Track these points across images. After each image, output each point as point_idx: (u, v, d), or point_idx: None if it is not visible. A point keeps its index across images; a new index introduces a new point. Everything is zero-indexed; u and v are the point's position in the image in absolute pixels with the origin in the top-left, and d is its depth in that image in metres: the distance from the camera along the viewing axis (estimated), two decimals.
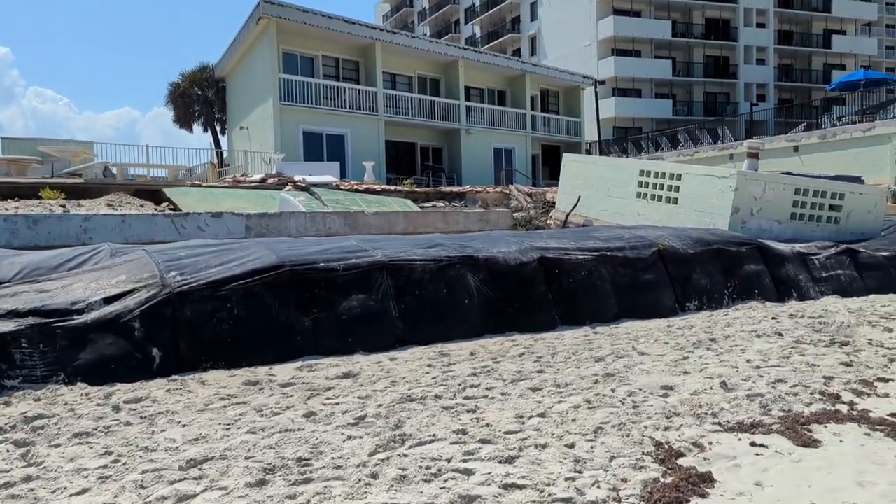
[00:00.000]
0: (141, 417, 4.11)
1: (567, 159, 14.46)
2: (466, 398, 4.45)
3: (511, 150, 29.50)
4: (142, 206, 10.90)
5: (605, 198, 13.10)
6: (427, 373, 5.08)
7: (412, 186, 17.34)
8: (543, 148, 32.45)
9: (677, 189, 11.42)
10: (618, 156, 35.81)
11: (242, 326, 5.25)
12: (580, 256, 7.34)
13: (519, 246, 7.18)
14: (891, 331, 7.03)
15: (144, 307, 5.03)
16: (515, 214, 15.62)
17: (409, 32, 24.02)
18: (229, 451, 3.51)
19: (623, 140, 37.01)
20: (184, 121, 30.97)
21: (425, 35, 72.62)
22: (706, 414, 4.19)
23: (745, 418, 4.13)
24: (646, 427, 3.92)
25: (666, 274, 7.97)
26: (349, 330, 5.66)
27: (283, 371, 5.09)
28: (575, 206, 13.67)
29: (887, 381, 5.10)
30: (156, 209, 10.72)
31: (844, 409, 4.40)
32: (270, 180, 14.14)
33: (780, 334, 6.72)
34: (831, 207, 11.33)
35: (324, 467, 3.28)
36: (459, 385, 4.72)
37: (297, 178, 14.88)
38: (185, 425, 3.95)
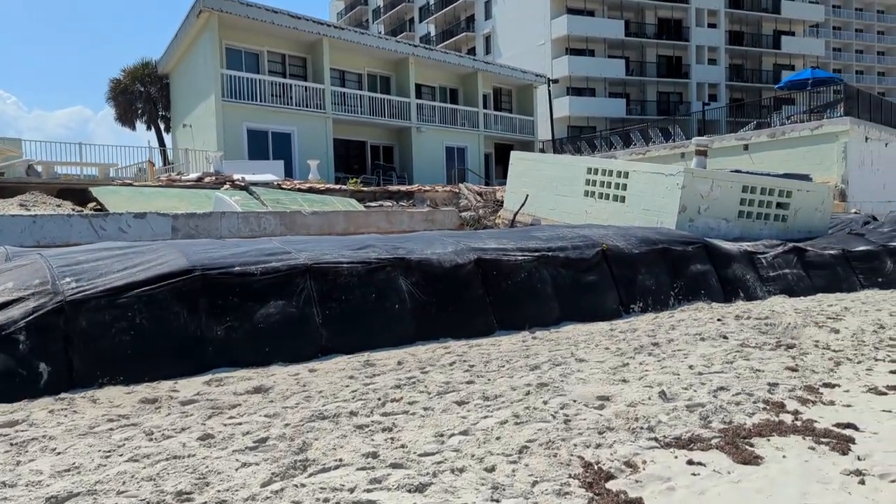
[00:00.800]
0: (10, 444, 3.62)
1: (514, 157, 14.17)
2: (385, 415, 4.07)
3: (464, 149, 29.17)
4: (58, 206, 10.22)
5: (553, 197, 12.84)
6: (347, 386, 4.68)
7: (358, 185, 16.88)
8: (496, 147, 32.19)
9: (625, 187, 11.20)
10: (572, 155, 35.80)
11: (145, 337, 4.77)
12: (520, 257, 7.00)
13: (455, 247, 6.82)
14: (837, 332, 6.86)
15: (31, 318, 4.52)
16: (463, 214, 15.28)
17: (359, 29, 23.44)
18: (101, 484, 3.07)
19: (577, 139, 37.00)
20: (126, 119, 29.83)
21: (380, 33, 72.08)
22: (642, 428, 3.88)
23: (683, 432, 3.83)
24: (576, 445, 3.58)
25: (610, 275, 7.69)
26: (266, 339, 5.22)
27: (189, 386, 4.63)
28: (522, 205, 13.38)
29: (833, 386, 4.86)
30: (73, 209, 10.08)
31: (789, 419, 4.13)
32: (207, 179, 13.53)
33: (726, 337, 6.48)
34: (779, 205, 11.23)
35: (205, 503, 2.86)
36: (379, 399, 4.33)
37: (236, 177, 14.30)
38: (59, 453, 3.49)
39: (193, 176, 14.30)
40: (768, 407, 4.34)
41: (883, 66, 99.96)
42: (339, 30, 23.58)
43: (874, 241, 10.70)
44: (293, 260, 5.68)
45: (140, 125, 30.30)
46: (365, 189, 16.62)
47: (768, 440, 3.78)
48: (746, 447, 3.64)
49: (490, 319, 6.54)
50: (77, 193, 11.82)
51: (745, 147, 24.21)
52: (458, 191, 18.52)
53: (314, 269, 5.66)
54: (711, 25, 55.06)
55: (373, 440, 3.63)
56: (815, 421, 4.08)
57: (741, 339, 6.40)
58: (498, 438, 3.67)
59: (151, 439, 3.63)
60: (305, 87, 23.07)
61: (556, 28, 48.47)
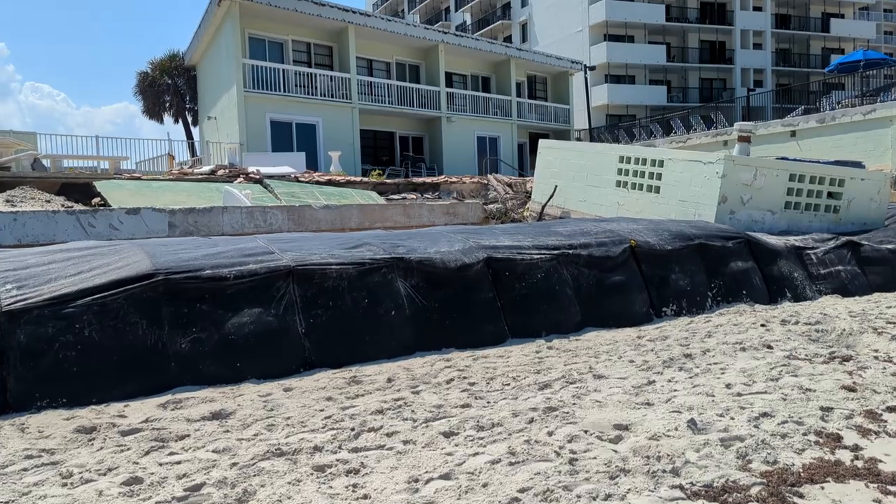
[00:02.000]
0: None
1: (543, 146, 13.39)
2: (355, 450, 3.42)
3: (496, 139, 28.32)
4: (48, 201, 9.79)
5: (584, 188, 12.04)
6: (321, 410, 4.04)
7: (381, 177, 16.27)
8: (531, 136, 31.25)
9: (659, 177, 10.35)
10: (609, 144, 34.72)
11: (96, 353, 4.20)
12: (536, 256, 6.28)
13: (463, 245, 6.13)
14: None
15: None
16: (490, 207, 14.56)
17: (387, 16, 22.78)
18: None
19: (615, 127, 35.86)
20: (153, 112, 29.65)
21: (415, 22, 71.42)
22: (665, 471, 3.17)
23: (715, 477, 3.11)
24: (579, 497, 2.90)
25: (639, 274, 6.92)
26: (239, 353, 4.61)
27: (140, 410, 4.04)
28: (551, 197, 12.61)
29: None
30: (63, 206, 9.64)
31: (847, 457, 3.38)
32: (220, 172, 13.05)
33: (770, 347, 5.67)
34: (830, 195, 10.27)
35: None
36: (353, 430, 3.69)
37: (251, 169, 13.79)
38: None
39: (206, 169, 13.86)
40: (821, 440, 3.58)
41: None
42: (365, 17, 22.92)
43: None
44: (274, 261, 5.06)
45: (168, 118, 30.21)
46: (389, 181, 16.01)
47: (822, 488, 3.05)
48: (795, 499, 2.92)
49: (501, 326, 5.84)
50: (81, 188, 11.43)
51: (793, 133, 22.96)
52: (486, 182, 17.79)
53: (298, 272, 5.04)
54: (757, 8, 53.10)
55: (331, 487, 2.99)
56: (880, 461, 3.33)
57: (788, 350, 5.59)
58: (485, 486, 3.00)
59: (66, 485, 3.03)
60: (331, 77, 22.48)
61: (594, 14, 47.19)
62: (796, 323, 6.58)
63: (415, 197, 15.65)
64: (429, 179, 16.85)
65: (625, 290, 6.69)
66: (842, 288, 8.28)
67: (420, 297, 5.49)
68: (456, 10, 65.76)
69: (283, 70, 21.08)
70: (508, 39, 56.36)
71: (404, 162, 25.34)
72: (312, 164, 19.39)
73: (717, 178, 9.30)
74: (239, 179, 12.44)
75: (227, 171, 13.21)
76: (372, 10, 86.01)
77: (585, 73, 32.67)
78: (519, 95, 30.44)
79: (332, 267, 5.19)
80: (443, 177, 18.06)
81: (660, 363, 5.13)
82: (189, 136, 29.04)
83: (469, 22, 62.84)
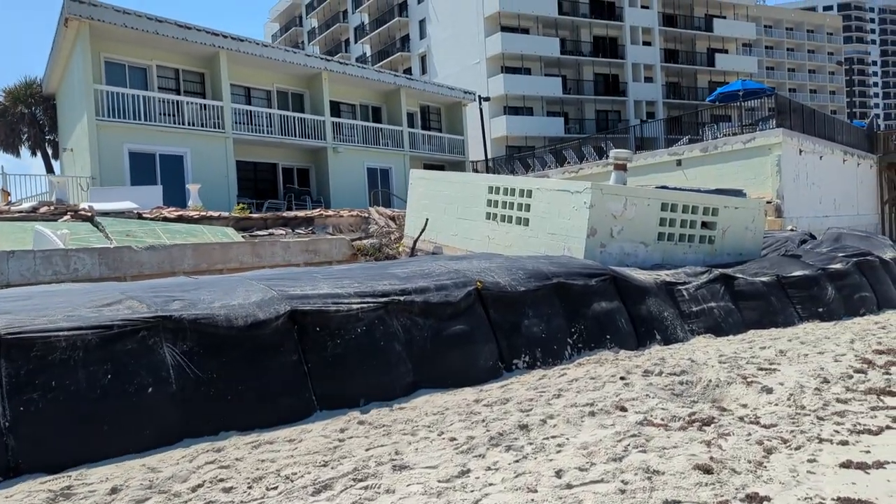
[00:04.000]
0: None
1: (414, 176, 12.50)
2: None
3: (387, 170, 27.38)
4: None
5: (455, 220, 11.17)
6: None
7: (245, 212, 14.99)
8: (426, 167, 30.54)
9: (528, 208, 9.58)
10: (507, 175, 34.44)
11: None
12: (356, 306, 5.24)
13: (263, 295, 5.02)
14: (769, 391, 5.26)
15: None
16: (363, 242, 13.50)
17: (261, 41, 21.47)
18: None
19: (511, 159, 35.63)
20: (7, 144, 26.99)
21: (294, 49, 70.25)
22: None
23: None
24: None
25: (486, 321, 5.99)
26: None
27: None
28: (422, 231, 11.68)
29: (760, 502, 3.23)
30: None
31: None
32: (43, 209, 11.45)
33: (624, 409, 4.81)
34: (704, 225, 9.74)
35: None
36: None
37: (82, 205, 12.25)
38: None
39: (27, 206, 12.23)
40: None
41: (814, 83, 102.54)
42: (237, 42, 21.52)
43: (812, 263, 9.28)
44: None
45: (25, 151, 27.65)
46: (255, 216, 14.73)
47: None
48: None
49: (306, 397, 4.75)
50: None
51: (679, 163, 23.09)
52: (367, 216, 16.74)
53: (7, 342, 3.80)
54: (647, 43, 54.80)
55: None
56: None
57: (644, 412, 4.74)
58: None
59: None
60: (202, 105, 20.93)
61: (490, 46, 47.36)
62: (660, 374, 5.78)
63: (283, 233, 14.42)
64: (301, 213, 15.66)
65: (468, 342, 5.73)
66: (715, 326, 7.64)
67: (193, 366, 4.33)
68: (356, 42, 65.16)
69: (145, 97, 19.37)
70: (408, 71, 56.03)
71: (288, 195, 23.98)
72: (178, 198, 17.83)
73: (585, 208, 8.58)
74: (65, 217, 10.89)
75: (51, 208, 11.62)
76: (272, 41, 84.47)
77: (480, 103, 32.30)
78: (412, 126, 29.67)
79: (63, 333, 3.98)
80: (317, 210, 16.91)
81: (486, 441, 4.15)
82: (49, 169, 26.64)
83: (369, 53, 62.32)
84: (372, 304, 5.35)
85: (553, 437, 4.26)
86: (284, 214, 15.48)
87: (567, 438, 4.22)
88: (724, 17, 60.75)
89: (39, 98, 26.45)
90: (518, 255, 9.46)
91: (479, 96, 32.55)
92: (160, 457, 3.93)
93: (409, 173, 28.10)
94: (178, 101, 20.52)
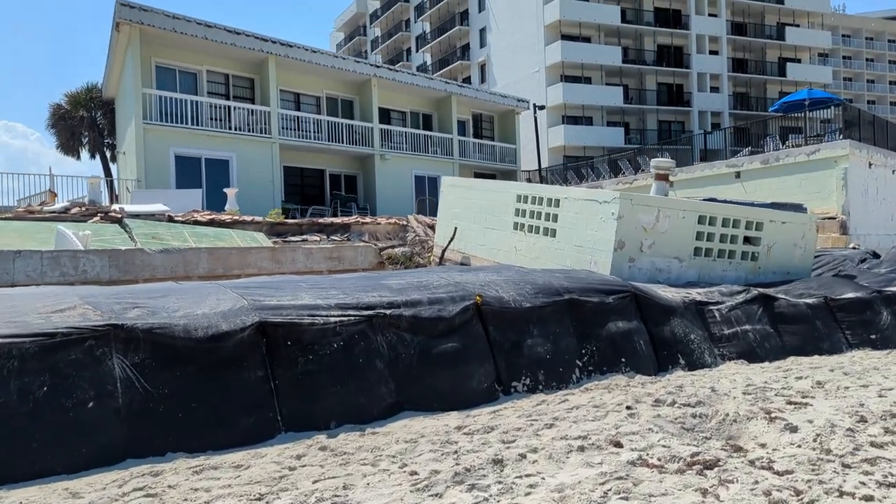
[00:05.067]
0: None
1: (445, 183, 12.13)
2: None
3: (436, 178, 27.02)
4: None
5: (483, 230, 10.74)
6: None
7: (280, 217, 14.88)
8: (476, 176, 30.18)
9: (556, 218, 9.07)
10: (561, 185, 33.76)
11: None
12: (334, 319, 4.87)
13: (232, 305, 4.70)
14: (795, 430, 4.64)
15: None
16: (395, 251, 13.18)
17: (310, 47, 21.40)
18: None
19: (564, 168, 34.93)
20: (69, 147, 27.84)
21: (377, 62, 70.84)
22: None
23: None
24: None
25: (485, 339, 5.54)
26: None
27: None
28: (451, 241, 11.29)
29: None
30: None
31: None
32: (74, 210, 11.54)
33: (619, 445, 4.28)
34: (747, 240, 9.04)
35: None
36: None
37: (114, 207, 12.33)
38: None
39: (59, 206, 12.38)
40: None
41: (895, 95, 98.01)
42: (286, 47, 21.60)
43: (867, 285, 8.46)
44: None
45: (85, 154, 28.48)
46: (290, 222, 14.59)
47: None
48: None
49: (270, 417, 4.40)
50: None
51: (737, 175, 22.06)
52: (405, 223, 16.45)
53: None
54: (713, 52, 53.24)
55: None
56: None
57: (641, 449, 4.20)
58: None
59: None
60: (250, 110, 21.08)
61: (550, 55, 46.79)
62: (673, 404, 5.21)
63: (318, 239, 14.24)
64: (337, 220, 15.46)
65: (460, 362, 5.29)
66: (749, 352, 6.97)
67: (144, 380, 4.04)
68: (417, 51, 65.50)
69: (193, 101, 19.61)
70: (468, 80, 55.95)
71: (333, 201, 23.92)
72: (222, 201, 17.87)
73: (613, 219, 8.03)
74: (95, 219, 10.93)
75: (82, 209, 11.72)
76: (336, 50, 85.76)
77: (535, 111, 31.75)
78: (463, 134, 29.32)
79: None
80: (353, 217, 16.70)
81: (450, 477, 3.69)
82: (108, 172, 27.33)
83: (430, 62, 62.50)
84: (353, 318, 4.97)
85: (527, 475, 3.78)
86: (320, 221, 15.32)
87: (543, 478, 3.74)
88: (798, 26, 58.48)
89: (99, 102, 27.24)
90: (544, 267, 8.97)
91: (534, 105, 32.00)
92: (91, 479, 3.63)
93: None
94: (225, 106, 20.73)
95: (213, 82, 21.63)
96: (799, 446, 4.42)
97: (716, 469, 3.90)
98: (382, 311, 5.15)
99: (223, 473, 3.74)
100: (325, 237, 14.65)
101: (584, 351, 6.01)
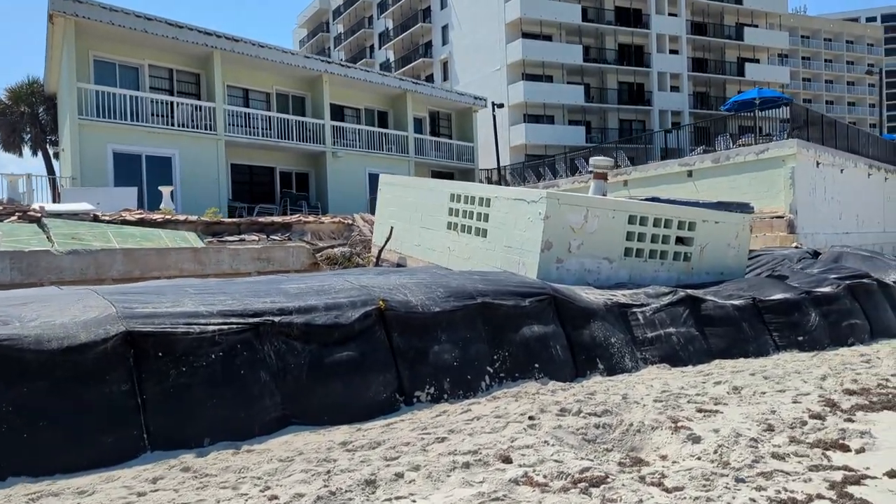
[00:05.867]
0: None
1: (382, 182, 11.82)
2: None
3: (391, 175, 26.70)
4: None
5: (419, 230, 10.46)
6: None
7: (218, 216, 14.45)
8: (434, 175, 29.87)
9: (487, 218, 8.83)
10: (518, 184, 33.65)
11: None
12: (213, 327, 4.55)
13: (99, 313, 4.35)
14: (698, 441, 4.44)
15: None
16: (335, 250, 12.84)
17: (257, 41, 20.68)
18: None
19: (522, 167, 34.78)
20: (10, 144, 26.86)
21: (340, 60, 70.12)
22: None
23: None
24: None
25: (387, 347, 5.26)
26: None
27: None
28: (387, 240, 10.99)
29: None
30: None
31: None
32: None
33: (509, 460, 4.03)
34: (680, 241, 8.89)
35: None
36: None
37: (35, 206, 11.84)
38: None
39: None
40: None
41: (853, 95, 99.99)
42: (232, 42, 21.01)
43: (797, 285, 8.36)
44: None
45: (27, 151, 27.51)
46: (227, 221, 14.15)
47: None
48: None
49: (134, 435, 4.07)
50: None
51: (689, 174, 22.10)
52: (350, 222, 16.10)
53: None
54: (673, 52, 53.56)
55: None
56: None
57: (531, 464, 3.96)
58: None
59: None
60: (195, 106, 20.49)
61: (511, 53, 46.60)
62: (579, 413, 4.98)
63: (257, 239, 13.83)
64: (278, 219, 15.06)
65: (357, 371, 5.00)
66: (672, 355, 6.79)
67: None
68: (380, 48, 64.95)
69: (133, 97, 18.95)
70: (430, 78, 55.59)
71: (283, 199, 23.45)
72: (170, 200, 17.30)
73: (540, 219, 7.80)
74: (12, 218, 10.42)
75: (0, 208, 11.20)
76: (299, 46, 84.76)
77: (493, 109, 31.52)
78: (420, 132, 28.98)
79: None
80: (296, 216, 16.31)
81: (312, 501, 3.40)
82: (50, 170, 26.46)
83: (392, 59, 62.02)
84: (236, 326, 4.65)
85: (398, 498, 3.50)
86: (260, 220, 14.89)
87: (414, 501, 3.47)
88: (756, 26, 59.10)
89: (41, 97, 26.34)
90: (475, 269, 8.73)
91: (493, 103, 31.76)
92: None
93: None
94: (168, 102, 20.12)
95: (156, 77, 20.98)
96: (699, 458, 4.23)
97: (602, 487, 3.67)
98: (271, 318, 4.84)
99: (63, 501, 3.41)
100: (265, 237, 14.24)
101: (495, 357, 5.76)
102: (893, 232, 28.21)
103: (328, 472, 3.82)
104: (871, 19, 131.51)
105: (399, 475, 3.77)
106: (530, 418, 4.86)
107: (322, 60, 25.21)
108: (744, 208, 13.95)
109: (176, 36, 19.88)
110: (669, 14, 53.02)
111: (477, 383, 5.56)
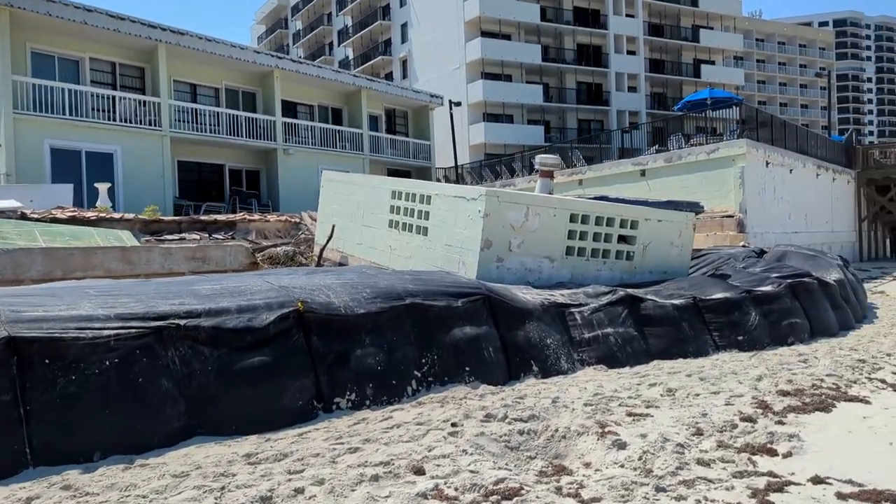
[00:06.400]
0: None
1: (325, 178, 11.53)
2: None
3: (345, 173, 26.30)
4: None
5: (361, 228, 10.19)
6: None
7: (156, 214, 13.99)
8: (390, 173, 29.56)
9: (427, 216, 8.60)
10: (475, 183, 33.53)
11: None
12: (109, 332, 4.23)
13: None
14: (623, 447, 4.27)
15: None
16: (278, 249, 12.49)
17: (204, 35, 20.06)
18: None
19: (480, 166, 34.66)
20: None
21: (300, 57, 69.24)
22: None
23: None
24: None
25: (306, 351, 4.99)
26: None
27: None
28: (329, 239, 10.69)
29: None
30: None
31: None
32: None
33: (421, 472, 3.80)
34: (623, 239, 8.77)
35: None
36: None
37: None
38: None
39: None
40: None
41: (806, 98, 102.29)
42: (178, 35, 20.36)
43: (738, 284, 8.30)
44: None
45: None
46: (165, 219, 13.69)
47: None
48: None
49: (15, 449, 3.75)
50: None
51: (643, 173, 22.17)
52: (298, 220, 15.73)
53: None
54: (631, 52, 54.03)
55: None
56: None
57: (444, 476, 3.73)
58: None
59: None
60: (139, 101, 19.84)
61: (470, 51, 46.49)
62: (504, 418, 4.77)
63: (198, 237, 13.39)
64: (221, 217, 14.65)
65: (271, 377, 4.72)
66: (610, 356, 6.64)
67: None
68: (339, 45, 64.32)
69: (72, 90, 18.26)
70: (390, 76, 55.25)
71: (233, 197, 22.91)
72: (110, 197, 16.69)
73: (479, 217, 7.59)
74: None
75: None
76: (257, 43, 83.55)
77: (451, 108, 31.34)
78: (376, 130, 28.63)
79: None
80: (241, 214, 15.89)
81: None
82: None
83: (351, 57, 61.49)
84: (136, 331, 4.33)
85: None
86: (203, 218, 14.46)
87: None
88: (712, 28, 59.98)
89: None
90: (418, 268, 8.50)
91: (450, 101, 31.60)
92: None
93: None
94: (110, 96, 19.46)
95: (98, 71, 20.27)
96: (622, 466, 4.05)
97: (515, 499, 3.45)
98: (176, 321, 4.54)
99: None
100: (208, 236, 13.81)
101: (424, 360, 5.53)
102: (842, 231, 28.77)
103: (223, 488, 3.54)
104: (823, 24, 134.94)
105: (299, 490, 3.51)
106: (453, 425, 4.64)
107: (273, 56, 24.66)
108: (694, 207, 13.94)
109: (117, 28, 19.23)
110: (627, 15, 53.48)
111: (403, 388, 5.32)
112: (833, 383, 6.05)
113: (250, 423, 4.53)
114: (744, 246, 13.98)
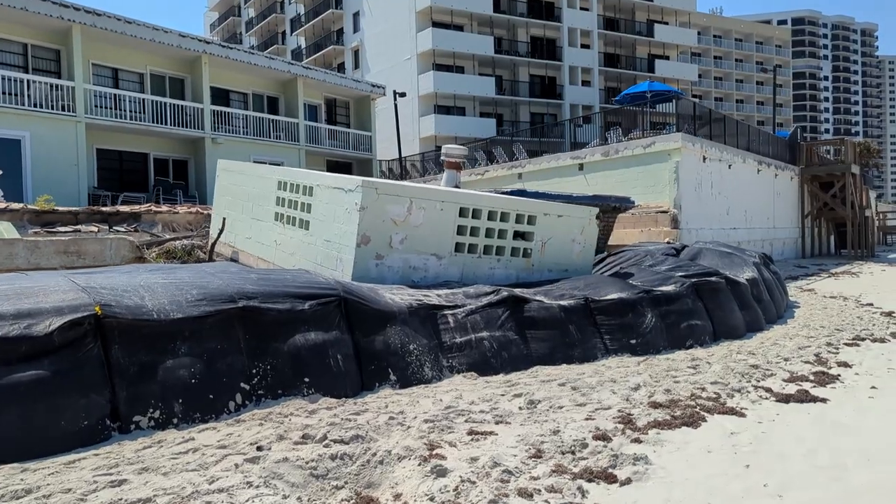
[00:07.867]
0: None
1: (220, 168, 10.81)
2: None
3: (280, 165, 25.52)
4: None
5: (250, 221, 9.52)
6: None
7: (49, 204, 13.11)
8: (329, 165, 28.74)
9: (309, 209, 7.97)
10: (419, 177, 32.91)
11: None
12: None
13: None
14: (443, 474, 3.72)
15: None
16: (175, 243, 11.72)
17: (123, 16, 18.92)
18: None
19: (424, 159, 34.04)
20: None
21: (251, 46, 67.70)
22: None
23: None
24: None
25: (102, 362, 4.34)
26: None
27: None
28: (221, 232, 10.01)
29: None
30: None
31: None
32: None
33: None
34: (518, 235, 8.25)
35: None
36: None
37: None
38: None
39: None
40: None
41: (762, 95, 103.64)
42: (93, 16, 19.26)
43: (637, 284, 7.84)
44: None
45: None
46: (60, 210, 12.81)
47: None
48: None
49: None
50: None
51: (581, 167, 21.80)
52: (210, 212, 14.92)
53: None
54: (585, 46, 53.85)
55: None
56: None
57: None
58: None
59: None
60: (52, 85, 18.76)
61: (421, 42, 45.77)
62: (322, 439, 4.18)
63: (96, 230, 12.55)
64: (125, 209, 13.79)
65: (49, 394, 4.07)
66: (482, 362, 6.10)
67: None
68: (291, 34, 63.03)
69: None
70: (342, 66, 54.31)
71: (157, 187, 21.94)
72: (11, 186, 15.72)
73: (356, 210, 6.99)
74: None
75: None
76: (209, 31, 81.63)
77: (395, 98, 30.62)
78: (315, 120, 27.78)
79: None
80: (147, 206, 15.07)
81: None
82: None
83: (304, 46, 60.29)
84: None
85: None
86: (104, 209, 13.58)
87: None
88: (667, 24, 60.15)
89: None
90: (300, 265, 7.89)
91: (394, 91, 30.88)
92: None
93: (304, 169, 26.21)
94: (18, 79, 18.35)
95: (7, 52, 19.08)
96: (432, 499, 3.49)
97: None
98: None
99: None
100: (108, 228, 12.96)
101: (255, 371, 4.91)
102: (784, 228, 28.82)
103: None
104: (782, 22, 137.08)
105: None
106: (258, 448, 4.04)
107: (200, 40, 23.61)
108: (624, 202, 13.56)
109: (25, 6, 18.10)
110: (581, 8, 53.29)
111: (224, 403, 4.70)
112: (714, 392, 5.61)
113: (15, 449, 3.87)
114: (668, 243, 13.62)
